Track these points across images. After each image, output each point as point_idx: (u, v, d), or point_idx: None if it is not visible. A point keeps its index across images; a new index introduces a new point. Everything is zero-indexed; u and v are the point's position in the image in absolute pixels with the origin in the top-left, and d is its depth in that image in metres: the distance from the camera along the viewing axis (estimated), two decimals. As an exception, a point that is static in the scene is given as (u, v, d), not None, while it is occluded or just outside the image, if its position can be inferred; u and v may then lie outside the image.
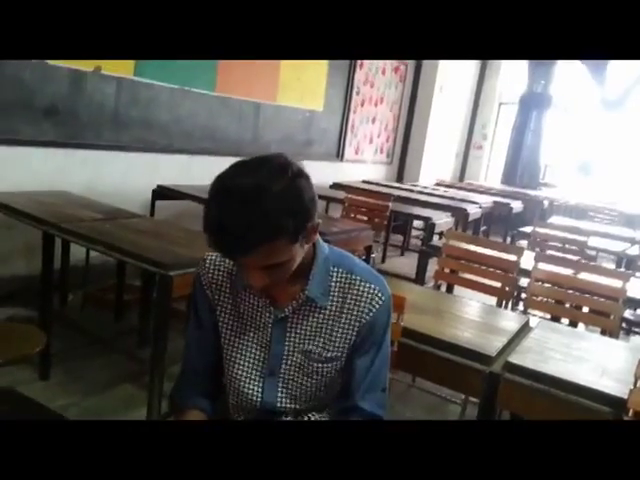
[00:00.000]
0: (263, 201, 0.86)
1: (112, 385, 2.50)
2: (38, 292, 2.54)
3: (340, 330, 1.10)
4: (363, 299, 1.08)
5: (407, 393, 2.67)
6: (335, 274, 1.10)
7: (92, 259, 3.20)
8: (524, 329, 1.85)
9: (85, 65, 3.26)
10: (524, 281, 2.80)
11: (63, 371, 2.52)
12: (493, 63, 8.12)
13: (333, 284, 1.09)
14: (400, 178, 7.13)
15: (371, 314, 1.08)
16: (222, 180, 0.91)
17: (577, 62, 7.47)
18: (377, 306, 1.09)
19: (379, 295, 1.09)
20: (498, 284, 2.65)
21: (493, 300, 2.72)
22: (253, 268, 0.95)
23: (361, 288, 1.09)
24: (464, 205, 5.05)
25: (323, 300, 1.09)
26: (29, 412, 1.09)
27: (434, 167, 7.40)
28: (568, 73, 7.82)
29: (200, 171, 4.18)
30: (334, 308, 1.09)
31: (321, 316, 1.10)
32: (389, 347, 1.15)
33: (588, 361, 1.65)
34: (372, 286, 1.09)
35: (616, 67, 7.28)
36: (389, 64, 6.40)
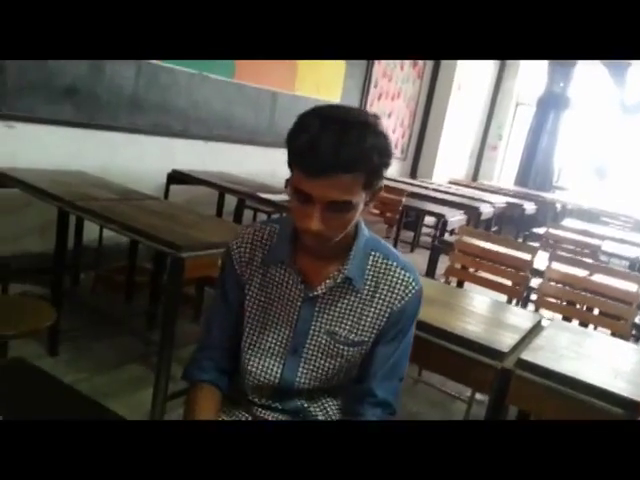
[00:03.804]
0: (363, 132, 0.90)
1: (120, 365, 2.51)
2: (50, 270, 2.56)
3: (370, 315, 1.09)
4: (397, 286, 1.08)
5: (413, 387, 2.67)
6: (372, 258, 1.09)
7: (104, 240, 3.21)
8: (536, 327, 1.82)
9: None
10: (534, 282, 2.78)
11: (72, 349, 2.54)
12: (512, 63, 8.04)
13: (369, 268, 1.09)
14: (413, 175, 7.10)
15: (403, 302, 1.08)
16: (322, 108, 0.94)
17: (597, 64, 7.39)
18: (410, 294, 1.08)
19: (413, 284, 1.09)
20: (509, 282, 2.63)
21: (502, 298, 2.70)
22: (320, 202, 0.92)
23: (396, 275, 1.08)
24: (477, 204, 5.03)
25: (359, 282, 1.08)
26: (40, 384, 1.08)
27: (448, 165, 7.36)
28: (588, 75, 7.72)
29: (215, 158, 4.19)
30: (366, 292, 1.09)
31: (352, 299, 1.09)
32: (412, 337, 1.15)
33: (601, 362, 1.63)
34: (407, 274, 1.09)
35: (637, 71, 7.19)
36: (407, 59, 6.36)
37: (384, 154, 0.94)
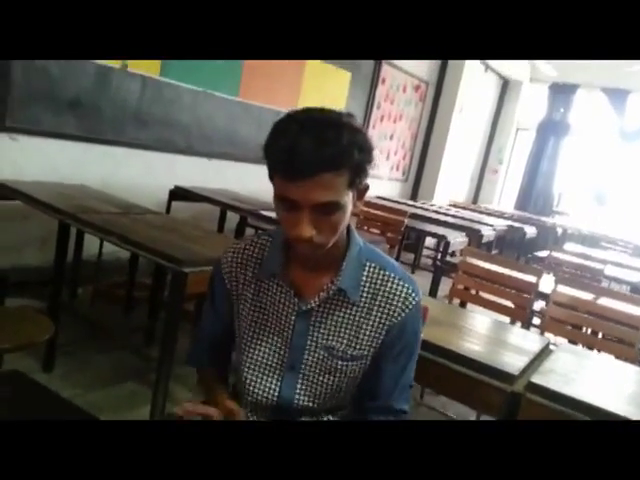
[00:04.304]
0: (340, 130, 0.89)
1: (116, 381, 2.46)
2: (49, 283, 2.52)
3: (368, 328, 1.05)
4: (395, 298, 1.04)
5: (415, 411, 2.61)
6: (367, 268, 1.05)
7: (104, 255, 3.18)
8: (545, 351, 1.79)
9: (112, 61, 3.27)
10: (536, 304, 2.75)
11: (68, 363, 2.48)
12: (513, 88, 8.14)
13: (364, 279, 1.05)
14: (414, 196, 7.10)
15: (403, 315, 1.04)
16: (296, 113, 0.93)
17: (597, 91, 7.47)
18: (410, 307, 1.04)
19: (412, 295, 1.05)
20: (513, 304, 2.60)
21: (506, 320, 2.67)
22: (307, 206, 0.90)
23: (394, 286, 1.04)
24: (478, 226, 5.02)
25: (354, 293, 1.04)
26: (37, 397, 1.04)
27: (448, 188, 7.38)
28: (588, 102, 7.81)
29: (217, 175, 4.18)
30: (363, 304, 1.05)
31: (348, 312, 1.05)
32: (418, 349, 1.12)
33: (612, 386, 1.61)
34: (406, 285, 1.05)
35: (637, 98, 7.27)
36: (410, 82, 6.41)
37: (364, 149, 0.92)
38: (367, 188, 1.00)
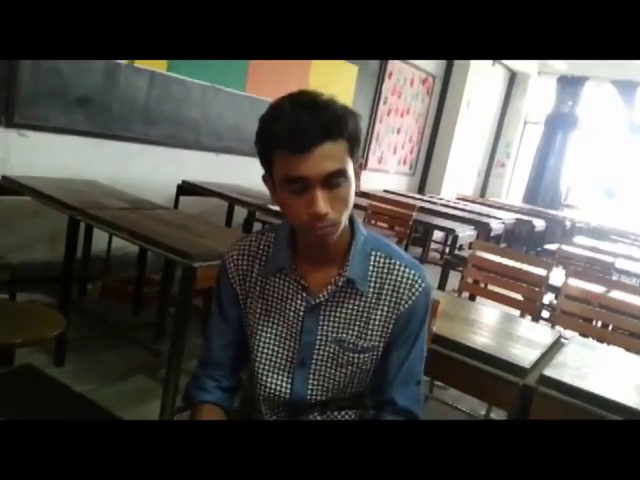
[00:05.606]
0: (330, 102, 0.92)
1: (126, 377, 2.47)
2: (58, 279, 2.53)
3: (377, 318, 1.04)
4: (402, 285, 1.03)
5: (425, 404, 2.60)
6: (373, 258, 1.04)
7: (113, 250, 3.19)
8: (556, 344, 1.78)
9: (119, 56, 3.28)
10: (546, 297, 2.73)
11: (78, 359, 2.49)
12: (521, 81, 8.08)
13: (371, 268, 1.03)
14: (422, 190, 7.08)
15: (410, 301, 1.03)
16: (287, 95, 0.94)
17: (607, 84, 7.40)
18: (417, 293, 1.03)
19: (419, 282, 1.03)
20: (524, 297, 2.59)
21: (516, 314, 2.65)
22: (317, 180, 0.89)
23: (400, 274, 1.03)
24: (487, 220, 5.00)
25: (362, 284, 1.02)
26: (50, 391, 1.06)
27: (456, 182, 7.34)
28: (596, 94, 7.73)
29: (225, 170, 4.18)
30: (371, 295, 1.03)
31: (357, 303, 1.04)
32: (425, 338, 1.09)
33: (627, 380, 1.59)
34: (412, 272, 1.04)
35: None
36: (417, 76, 6.37)
37: (355, 116, 0.94)
38: (362, 165, 1.01)
